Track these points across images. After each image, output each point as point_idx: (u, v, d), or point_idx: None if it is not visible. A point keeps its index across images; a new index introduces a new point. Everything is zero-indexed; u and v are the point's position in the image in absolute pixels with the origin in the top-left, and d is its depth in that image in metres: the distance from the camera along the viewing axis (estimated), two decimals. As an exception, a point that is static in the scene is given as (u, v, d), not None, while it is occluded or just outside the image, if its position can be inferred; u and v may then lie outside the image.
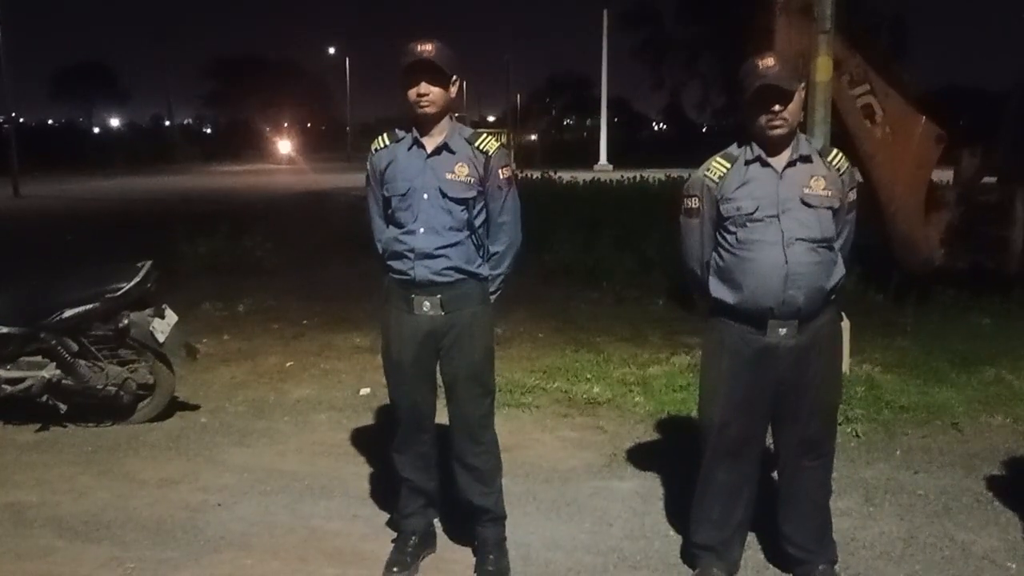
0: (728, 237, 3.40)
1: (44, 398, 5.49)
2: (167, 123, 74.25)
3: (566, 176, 22.61)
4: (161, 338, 5.53)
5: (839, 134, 7.12)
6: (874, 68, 8.09)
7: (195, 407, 6.02)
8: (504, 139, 29.46)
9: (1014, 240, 8.49)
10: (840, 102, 7.54)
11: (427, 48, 3.46)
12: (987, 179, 9.29)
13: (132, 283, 5.50)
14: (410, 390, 3.73)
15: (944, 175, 9.17)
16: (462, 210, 3.58)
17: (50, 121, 76.34)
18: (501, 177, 3.64)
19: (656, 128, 79.16)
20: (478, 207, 3.63)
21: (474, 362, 3.68)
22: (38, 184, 29.01)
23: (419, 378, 3.71)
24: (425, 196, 3.56)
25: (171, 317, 5.67)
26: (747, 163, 3.40)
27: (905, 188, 8.33)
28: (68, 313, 5.42)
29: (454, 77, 3.55)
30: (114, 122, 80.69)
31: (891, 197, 8.29)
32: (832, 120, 6.51)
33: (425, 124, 3.58)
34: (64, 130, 68.07)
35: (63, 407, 5.52)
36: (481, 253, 3.67)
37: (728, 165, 3.43)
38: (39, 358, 5.51)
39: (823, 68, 6.27)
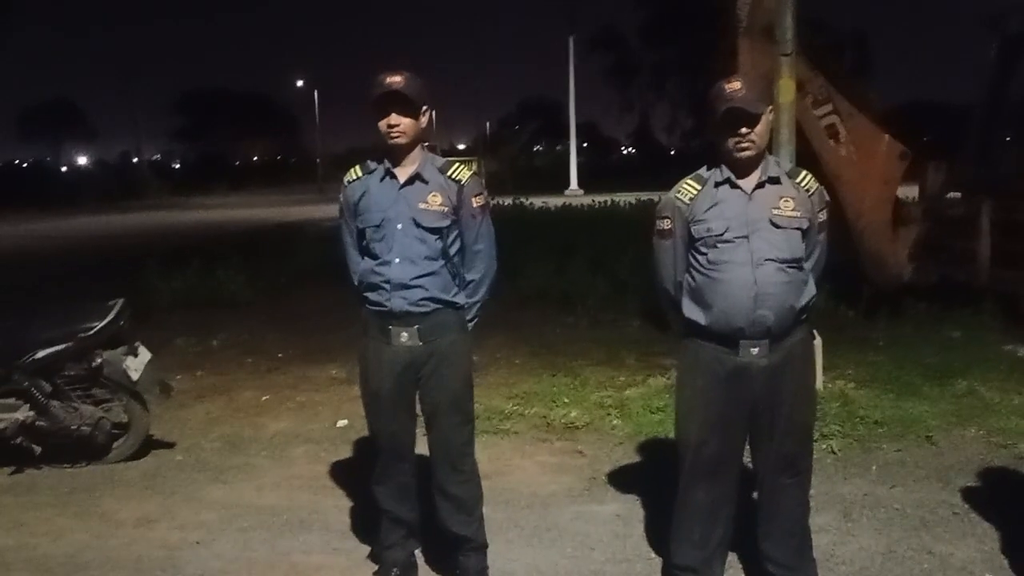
0: (699, 258, 3.44)
1: (18, 440, 5.42)
2: (136, 160, 73.57)
3: (537, 202, 22.67)
4: (135, 376, 5.50)
5: (804, 154, 7.19)
6: (837, 87, 8.19)
7: (171, 444, 5.97)
8: (475, 167, 29.47)
9: (981, 252, 8.59)
10: (804, 122, 7.61)
11: (396, 80, 3.49)
12: (952, 194, 9.42)
13: (105, 322, 5.48)
14: (389, 421, 3.73)
15: (910, 191, 9.29)
16: (436, 239, 3.60)
17: (17, 161, 75.57)
18: (474, 205, 3.66)
19: (625, 152, 79.53)
20: (452, 236, 3.65)
21: (454, 391, 3.69)
22: (8, 225, 28.76)
23: (398, 408, 3.71)
24: (399, 226, 3.57)
25: (144, 355, 5.65)
26: (717, 185, 3.44)
27: (872, 205, 8.42)
28: (41, 354, 5.38)
29: (424, 107, 3.57)
30: (82, 160, 79.92)
31: (858, 214, 8.38)
32: (797, 140, 6.58)
33: (397, 155, 3.61)
34: (32, 170, 67.51)
35: (38, 449, 5.46)
36: (457, 282, 3.68)
37: (698, 187, 3.48)
38: (12, 400, 5.45)
39: (785, 90, 6.36)
